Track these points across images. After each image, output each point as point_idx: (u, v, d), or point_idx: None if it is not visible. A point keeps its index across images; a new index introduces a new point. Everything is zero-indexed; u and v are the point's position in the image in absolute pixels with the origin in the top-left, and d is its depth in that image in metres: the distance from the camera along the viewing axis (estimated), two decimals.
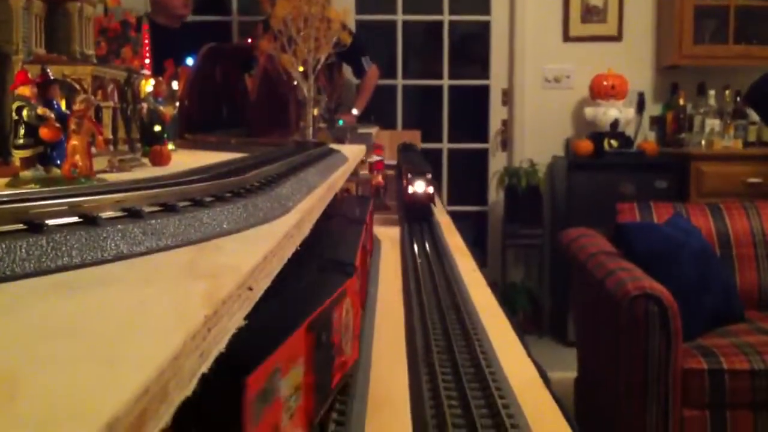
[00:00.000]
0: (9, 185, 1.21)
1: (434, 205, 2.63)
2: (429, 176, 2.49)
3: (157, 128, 1.80)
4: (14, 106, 1.19)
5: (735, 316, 3.44)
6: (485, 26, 5.32)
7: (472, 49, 5.43)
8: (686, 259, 3.35)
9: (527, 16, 5.18)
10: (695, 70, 4.96)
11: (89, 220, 0.62)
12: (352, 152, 2.23)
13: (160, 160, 1.63)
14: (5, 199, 0.62)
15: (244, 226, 0.74)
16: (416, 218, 2.43)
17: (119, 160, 1.48)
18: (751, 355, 2.95)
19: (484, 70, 5.36)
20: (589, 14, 5.14)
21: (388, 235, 2.36)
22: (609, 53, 5.11)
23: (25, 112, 1.19)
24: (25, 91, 1.20)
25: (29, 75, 1.21)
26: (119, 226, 0.62)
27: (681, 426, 2.84)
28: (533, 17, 5.18)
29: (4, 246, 0.53)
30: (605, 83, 4.96)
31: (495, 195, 5.32)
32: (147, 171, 1.54)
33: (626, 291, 2.85)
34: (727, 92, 4.93)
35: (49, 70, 1.24)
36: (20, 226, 0.57)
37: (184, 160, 1.70)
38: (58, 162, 1.23)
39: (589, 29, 5.15)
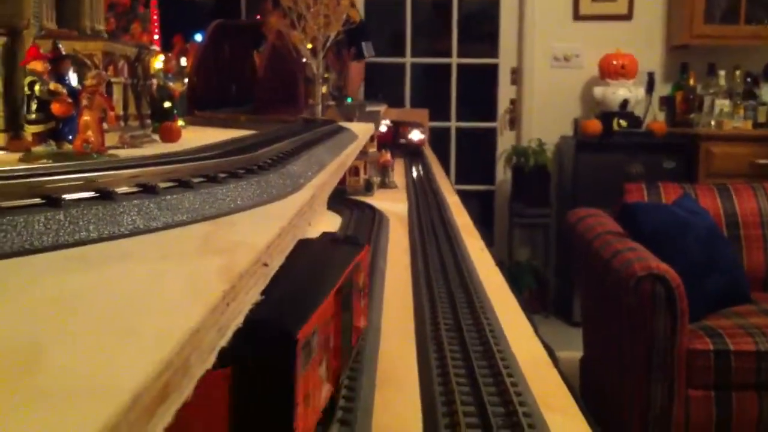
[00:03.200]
0: (22, 160, 1.21)
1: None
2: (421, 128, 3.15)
3: (167, 104, 1.80)
4: (26, 81, 1.19)
5: (741, 297, 3.44)
6: (494, 4, 5.29)
7: (481, 28, 5.40)
8: (693, 240, 3.35)
9: None
10: (705, 50, 4.92)
11: (105, 195, 0.62)
12: (361, 130, 2.23)
13: (170, 136, 1.63)
14: (22, 173, 0.62)
15: (257, 203, 0.75)
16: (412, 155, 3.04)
17: (130, 136, 1.48)
18: (757, 336, 2.95)
19: (492, 49, 5.33)
20: None
21: (395, 213, 2.36)
22: (619, 32, 5.07)
23: (37, 87, 1.19)
24: (37, 66, 1.20)
25: (41, 50, 1.21)
26: (135, 201, 0.62)
27: (686, 406, 2.84)
28: None
29: (22, 220, 0.53)
30: (615, 63, 4.94)
31: (502, 174, 5.31)
32: (158, 147, 1.53)
33: (633, 271, 2.84)
34: (737, 72, 4.90)
35: (60, 46, 1.24)
36: (37, 200, 0.57)
37: (194, 136, 1.70)
38: (70, 137, 1.23)
39: (600, 8, 5.12)
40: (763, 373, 2.89)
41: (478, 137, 5.41)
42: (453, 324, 1.25)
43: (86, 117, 1.19)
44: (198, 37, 3.26)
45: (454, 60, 5.34)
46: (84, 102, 1.19)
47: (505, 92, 5.33)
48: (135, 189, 0.65)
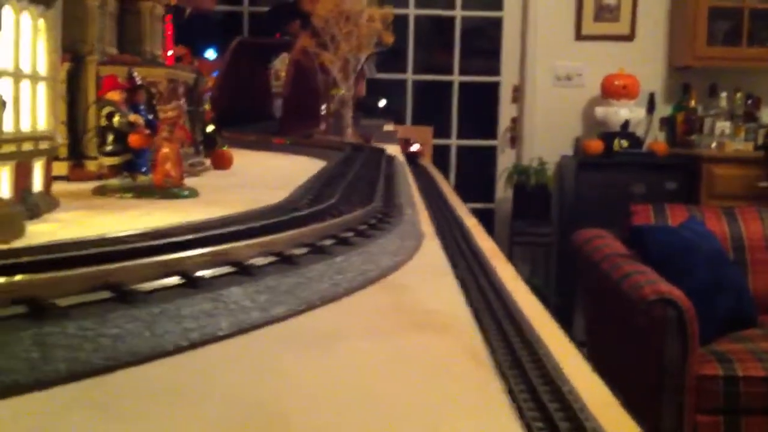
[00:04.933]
0: (98, 193, 1.18)
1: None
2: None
3: (210, 129, 1.77)
4: (104, 111, 1.16)
5: (748, 321, 3.44)
6: (497, 22, 5.29)
7: (483, 45, 5.40)
8: (701, 263, 3.35)
9: (539, 13, 5.15)
10: (707, 71, 4.95)
11: (285, 260, 0.59)
12: (394, 151, 2.21)
13: (222, 163, 1.60)
14: (202, 236, 0.59)
15: (403, 258, 0.72)
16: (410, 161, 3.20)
17: (189, 164, 1.45)
18: (766, 362, 2.95)
19: (494, 66, 5.33)
20: (602, 12, 5.12)
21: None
22: (621, 52, 5.09)
23: (116, 119, 1.16)
24: (115, 96, 1.17)
25: (118, 79, 1.18)
26: (314, 266, 0.59)
27: (695, 431, 2.84)
28: (545, 14, 5.15)
29: (226, 293, 0.50)
30: (617, 83, 4.95)
31: (502, 192, 5.30)
32: (214, 176, 1.50)
33: (643, 294, 2.83)
34: (738, 95, 4.92)
35: (135, 74, 1.20)
36: (229, 268, 0.54)
37: (244, 163, 1.67)
38: (144, 169, 1.20)
39: (602, 28, 5.13)
40: None
41: (478, 155, 5.40)
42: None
43: (166, 149, 1.16)
44: (210, 54, 3.23)
45: (456, 77, 5.33)
46: (164, 134, 1.15)
47: (506, 110, 5.33)
48: (305, 251, 0.62)
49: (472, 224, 3.06)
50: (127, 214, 1.00)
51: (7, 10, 0.86)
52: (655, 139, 5.05)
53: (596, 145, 4.87)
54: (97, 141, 1.20)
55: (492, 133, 5.37)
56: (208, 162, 1.59)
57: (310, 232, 0.64)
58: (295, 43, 2.69)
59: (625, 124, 4.90)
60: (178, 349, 0.44)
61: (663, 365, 2.82)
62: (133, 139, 1.16)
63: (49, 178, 0.99)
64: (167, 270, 0.50)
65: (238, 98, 2.87)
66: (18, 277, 0.43)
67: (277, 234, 0.61)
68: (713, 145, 4.83)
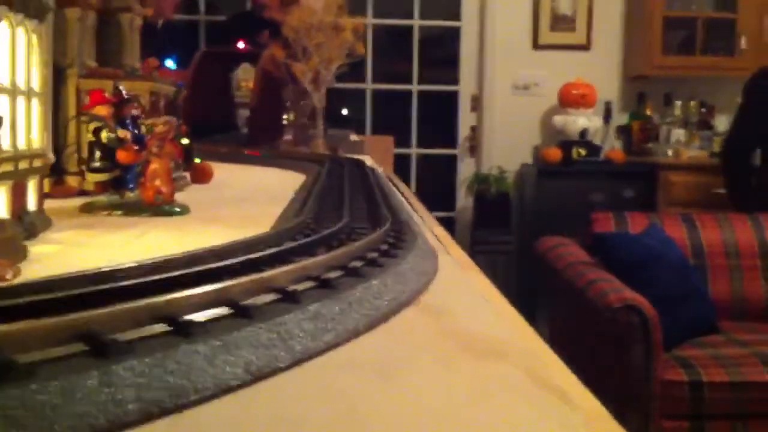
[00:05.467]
0: (85, 210, 1.14)
1: None
2: None
3: (185, 141, 1.73)
4: (91, 126, 1.13)
5: (710, 327, 3.49)
6: (455, 32, 5.31)
7: (442, 54, 5.42)
8: (664, 270, 3.39)
9: (497, 23, 5.19)
10: (662, 80, 5.03)
11: (323, 284, 0.57)
12: (370, 162, 2.20)
13: (203, 177, 1.57)
14: (243, 261, 0.57)
15: (429, 277, 0.70)
16: None
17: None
18: (730, 368, 2.99)
19: (453, 76, 5.35)
20: (559, 22, 5.18)
21: None
22: (578, 62, 5.15)
23: (104, 134, 1.13)
24: (102, 111, 1.14)
25: (105, 94, 1.15)
26: (352, 290, 0.58)
27: None
28: (503, 24, 5.19)
29: (281, 320, 0.48)
30: (574, 92, 5.00)
31: (463, 200, 5.32)
32: (194, 190, 1.47)
33: (608, 302, 2.86)
34: (692, 103, 5.01)
35: (122, 88, 1.17)
36: (274, 296, 0.52)
37: (223, 177, 1.64)
38: (131, 186, 1.17)
39: (559, 38, 5.19)
40: (736, 403, 2.93)
41: (438, 164, 5.42)
42: None
43: (155, 165, 1.13)
44: (169, 63, 3.18)
45: (415, 87, 5.34)
46: (154, 149, 1.13)
47: (465, 119, 5.35)
48: (339, 275, 0.60)
49: (441, 235, 3.06)
50: (124, 233, 0.98)
51: (3, 25, 0.83)
52: (612, 148, 5.12)
53: (555, 154, 4.91)
54: (83, 157, 1.17)
55: (452, 142, 5.39)
56: (187, 176, 1.56)
57: (343, 254, 0.63)
58: (263, 54, 2.66)
59: (583, 132, 4.95)
60: (241, 384, 0.42)
61: (628, 371, 2.85)
62: (122, 155, 1.13)
63: (42, 197, 0.95)
64: (218, 298, 0.48)
65: (204, 109, 2.83)
66: (77, 313, 0.41)
67: (313, 257, 0.60)
68: (669, 152, 4.90)
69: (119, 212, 1.12)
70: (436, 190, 5.45)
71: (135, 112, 1.18)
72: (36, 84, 0.91)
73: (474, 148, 5.35)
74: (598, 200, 4.80)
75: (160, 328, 0.45)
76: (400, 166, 5.22)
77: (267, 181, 1.78)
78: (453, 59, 5.36)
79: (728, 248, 3.85)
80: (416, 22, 5.30)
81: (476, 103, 5.32)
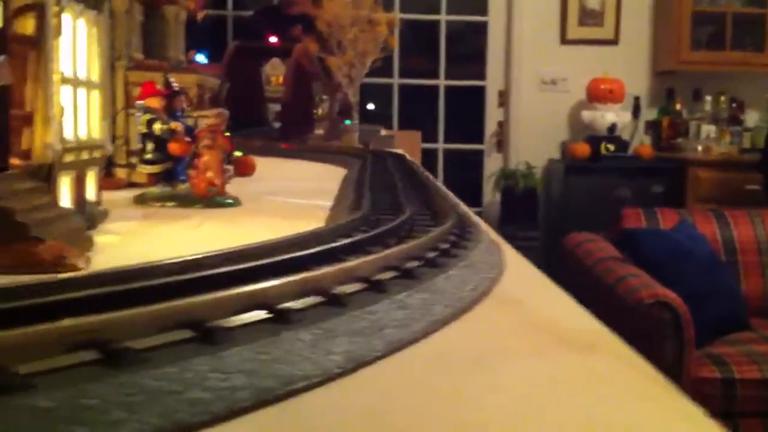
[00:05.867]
0: (138, 202, 1.15)
1: None
2: None
3: (226, 134, 1.73)
4: (144, 119, 1.13)
5: (740, 324, 3.46)
6: (482, 26, 5.30)
7: (469, 48, 5.41)
8: (694, 266, 3.37)
9: (525, 18, 5.16)
10: (691, 75, 4.99)
11: (405, 274, 0.57)
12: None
13: (246, 169, 1.57)
14: (325, 250, 0.57)
15: (499, 269, 0.70)
16: None
17: None
18: (762, 364, 2.96)
19: (480, 71, 5.33)
20: (587, 17, 5.14)
21: None
22: (605, 57, 5.11)
23: (157, 126, 1.13)
24: (154, 103, 1.14)
25: (157, 86, 1.15)
26: (434, 280, 0.57)
27: None
28: (530, 19, 5.16)
29: (375, 309, 0.48)
30: (603, 87, 4.97)
31: (490, 196, 5.30)
32: (239, 183, 1.47)
33: (639, 298, 2.84)
34: (722, 98, 4.97)
35: (173, 81, 1.18)
36: (361, 285, 0.52)
37: (265, 170, 1.64)
38: (182, 178, 1.17)
39: (587, 32, 5.15)
40: None
41: (465, 159, 5.40)
42: None
43: (207, 157, 1.13)
44: (200, 57, 3.18)
45: (442, 82, 5.32)
46: (206, 141, 1.13)
47: (492, 114, 5.33)
48: (417, 264, 0.60)
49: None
50: (180, 224, 0.98)
51: (66, 16, 0.83)
52: (641, 143, 5.08)
53: (583, 149, 4.89)
54: (131, 149, 1.17)
55: (479, 138, 5.37)
56: (231, 168, 1.56)
57: (419, 245, 0.62)
58: (295, 48, 2.66)
59: (612, 127, 4.92)
60: (342, 373, 0.42)
61: (660, 368, 2.82)
62: (174, 147, 1.13)
63: (100, 188, 0.96)
64: (311, 287, 0.48)
65: (236, 103, 2.83)
66: (179, 300, 0.40)
67: (393, 248, 0.59)
68: (699, 148, 4.86)
69: (172, 204, 1.12)
70: (463, 186, 5.43)
71: (183, 104, 1.18)
72: (95, 75, 0.91)
73: (501, 144, 5.33)
74: (626, 196, 4.76)
75: (256, 315, 0.44)
76: (427, 161, 5.21)
77: (306, 174, 1.78)
78: (480, 54, 5.34)
79: (760, 245, 3.82)
80: (443, 17, 5.28)
81: (503, 99, 5.30)
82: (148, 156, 1.14)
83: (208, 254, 0.54)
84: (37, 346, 0.36)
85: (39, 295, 0.43)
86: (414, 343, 0.48)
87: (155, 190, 1.15)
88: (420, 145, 4.65)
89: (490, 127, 5.35)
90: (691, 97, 5.03)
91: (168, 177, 1.16)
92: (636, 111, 5.10)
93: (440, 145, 5.34)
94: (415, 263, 0.60)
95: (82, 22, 0.86)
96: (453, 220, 0.75)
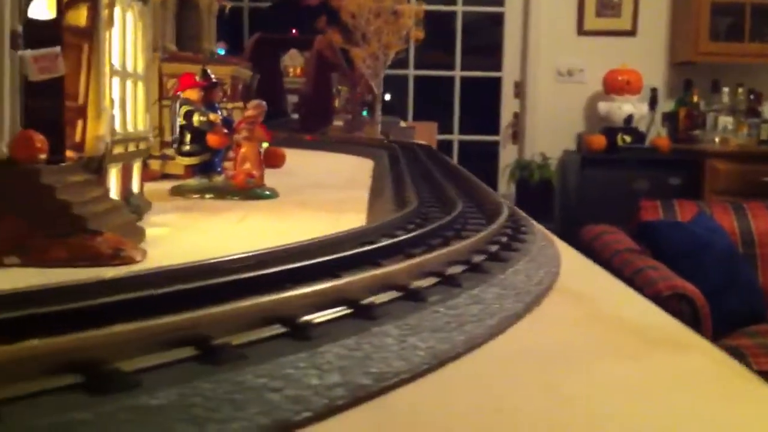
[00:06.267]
0: (175, 193, 1.14)
1: None
2: None
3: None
4: (182, 110, 1.13)
5: (758, 316, 3.45)
6: (499, 17, 5.28)
7: (485, 40, 5.38)
8: (713, 259, 3.35)
9: (542, 9, 5.14)
10: (709, 67, 4.96)
11: (473, 268, 0.56)
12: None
13: (276, 161, 1.57)
14: (395, 243, 0.56)
15: (557, 262, 0.69)
16: None
17: None
18: None
19: (495, 62, 5.32)
20: (604, 8, 5.12)
21: None
22: (623, 48, 5.08)
23: (195, 118, 1.12)
24: (192, 94, 1.13)
25: (195, 78, 1.15)
26: (503, 274, 0.57)
27: None
28: (547, 9, 5.14)
29: (454, 308, 0.48)
30: (620, 78, 4.94)
31: (505, 188, 5.29)
32: (270, 175, 1.46)
33: (657, 290, 2.82)
34: (740, 90, 4.94)
35: (210, 72, 1.17)
36: (434, 279, 0.52)
37: (293, 162, 1.63)
38: (219, 170, 1.17)
39: (604, 23, 5.13)
40: None
41: (480, 150, 5.39)
42: None
43: (244, 149, 1.13)
44: (221, 47, 3.18)
45: (458, 73, 5.31)
46: (244, 133, 1.12)
47: (508, 106, 5.32)
48: (483, 258, 0.59)
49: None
50: (224, 217, 0.97)
51: (116, 8, 0.83)
52: (658, 135, 5.05)
53: (599, 141, 4.86)
54: (164, 141, 1.17)
55: (494, 129, 5.36)
56: None
57: (482, 239, 0.62)
58: (316, 39, 2.65)
59: (629, 119, 4.90)
60: (429, 369, 0.42)
61: None
62: (212, 139, 1.12)
63: (143, 180, 0.96)
64: (387, 281, 0.47)
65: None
66: (267, 296, 0.40)
67: (460, 242, 0.59)
68: (716, 140, 4.84)
69: (210, 195, 1.12)
70: (479, 177, 5.40)
71: (219, 96, 1.18)
72: (140, 67, 0.91)
73: (516, 135, 5.32)
74: (643, 188, 4.74)
75: (339, 311, 0.44)
76: (443, 152, 5.19)
77: (335, 165, 1.77)
78: (496, 45, 5.32)
79: None
80: (459, 8, 5.26)
81: (519, 90, 5.28)
82: (186, 148, 1.14)
83: (284, 247, 0.54)
84: (136, 343, 0.36)
85: (125, 291, 0.42)
86: (493, 338, 0.48)
87: (192, 182, 1.15)
88: (436, 137, 4.64)
89: (506, 118, 5.34)
90: (708, 89, 5.00)
91: (205, 169, 1.15)
92: (653, 102, 5.07)
93: (455, 137, 5.33)
94: (482, 257, 0.59)
95: (129, 15, 0.86)
96: (506, 212, 0.74)
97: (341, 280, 0.45)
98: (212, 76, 1.16)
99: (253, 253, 0.53)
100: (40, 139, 0.66)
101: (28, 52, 0.67)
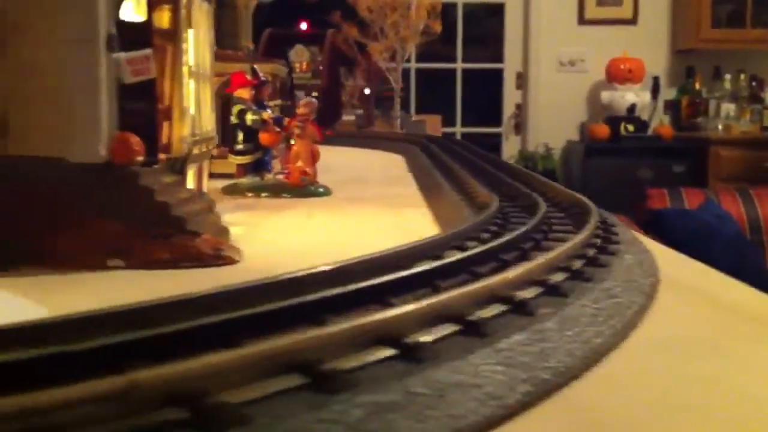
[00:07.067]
0: (228, 192, 1.15)
1: None
2: None
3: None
4: (236, 109, 1.13)
5: None
6: (499, 8, 5.28)
7: (485, 31, 5.38)
8: (721, 246, 3.37)
9: None
10: (710, 53, 4.97)
11: (575, 275, 0.57)
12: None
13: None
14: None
15: (652, 255, 0.70)
16: None
17: None
18: None
19: (496, 53, 5.32)
20: None
21: None
22: (624, 36, 5.09)
23: (248, 117, 1.13)
24: (244, 93, 1.13)
25: (246, 76, 1.15)
26: (619, 270, 0.57)
27: None
28: (548, 0, 5.14)
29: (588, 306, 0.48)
30: (622, 67, 4.95)
31: None
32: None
33: None
34: (742, 76, 4.95)
35: (258, 70, 1.17)
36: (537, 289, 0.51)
37: (326, 158, 1.63)
38: (269, 168, 1.17)
39: (605, 12, 5.14)
40: None
41: (483, 142, 5.39)
42: None
43: (297, 147, 1.13)
44: None
45: (459, 65, 5.31)
46: (296, 131, 1.12)
47: (510, 97, 5.32)
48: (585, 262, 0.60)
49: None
50: (291, 214, 0.98)
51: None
52: (661, 123, 5.06)
53: (602, 130, 4.87)
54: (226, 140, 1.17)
55: (496, 120, 5.37)
56: None
57: (581, 242, 0.62)
58: (329, 34, 2.65)
59: (631, 108, 4.90)
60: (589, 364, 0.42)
61: None
62: (265, 137, 1.13)
63: (206, 179, 0.96)
64: (495, 293, 0.47)
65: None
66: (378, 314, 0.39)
67: (561, 245, 0.59)
68: (719, 127, 4.85)
69: (266, 194, 1.12)
70: None
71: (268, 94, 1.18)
72: (207, 67, 0.91)
73: (519, 126, 5.33)
74: (647, 177, 4.75)
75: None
76: None
77: (366, 161, 1.78)
78: (497, 36, 5.32)
79: None
80: (459, 0, 5.26)
81: (521, 81, 5.29)
82: (239, 146, 1.14)
83: (381, 255, 0.53)
84: (235, 371, 0.31)
85: (215, 311, 0.38)
86: (633, 331, 0.48)
87: (246, 180, 1.15)
88: (440, 129, 4.64)
89: (508, 109, 5.34)
90: (710, 76, 5.01)
91: (257, 167, 1.16)
92: (655, 91, 5.08)
93: (458, 129, 5.33)
94: (580, 262, 0.59)
95: (199, 15, 0.86)
96: (595, 211, 0.74)
97: (445, 295, 0.44)
98: (261, 74, 1.16)
99: (347, 263, 0.51)
100: (137, 142, 0.66)
101: (122, 55, 0.67)
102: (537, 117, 5.25)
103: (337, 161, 1.69)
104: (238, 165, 1.16)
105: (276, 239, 0.83)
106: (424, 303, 0.42)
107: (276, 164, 1.32)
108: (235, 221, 0.91)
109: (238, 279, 0.47)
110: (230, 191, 1.14)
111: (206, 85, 0.90)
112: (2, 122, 0.64)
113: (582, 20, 5.16)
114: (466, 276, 0.53)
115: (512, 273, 0.49)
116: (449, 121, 5.26)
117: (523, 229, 0.65)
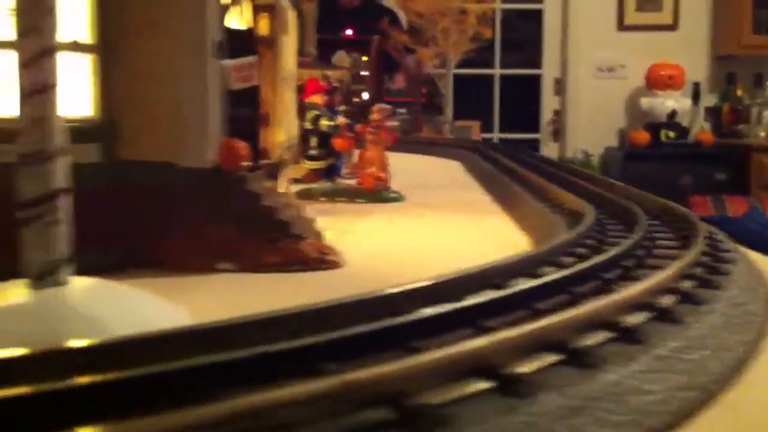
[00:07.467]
0: (303, 197, 1.15)
1: None
2: None
3: None
4: (310, 115, 1.14)
5: None
6: (537, 14, 5.27)
7: (524, 37, 5.37)
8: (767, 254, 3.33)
9: (581, 4, 5.12)
10: (751, 60, 4.92)
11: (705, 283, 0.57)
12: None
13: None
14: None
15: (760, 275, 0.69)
16: None
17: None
18: None
19: (535, 59, 5.31)
20: (645, 3, 5.10)
21: None
22: (664, 42, 5.06)
23: (323, 122, 1.14)
24: (317, 99, 1.14)
25: (320, 82, 1.16)
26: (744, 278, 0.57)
27: None
28: (587, 5, 5.12)
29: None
30: (662, 73, 4.92)
31: None
32: None
33: None
34: None
35: (330, 77, 1.18)
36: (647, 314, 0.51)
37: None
38: (341, 173, 1.18)
39: (644, 18, 5.11)
40: None
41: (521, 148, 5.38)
42: None
43: (370, 153, 1.14)
44: None
45: (497, 71, 5.30)
46: (370, 137, 1.13)
47: (548, 103, 5.31)
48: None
49: None
50: (372, 219, 0.98)
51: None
52: (701, 130, 5.02)
53: (642, 137, 4.84)
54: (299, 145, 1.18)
55: (534, 127, 5.35)
56: None
57: (697, 253, 0.62)
58: (374, 40, 2.66)
59: (672, 114, 4.87)
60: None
61: None
62: (338, 143, 1.14)
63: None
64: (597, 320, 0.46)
65: None
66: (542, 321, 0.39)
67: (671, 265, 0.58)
68: (761, 134, 4.80)
69: (341, 199, 1.13)
70: None
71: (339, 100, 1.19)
72: (294, 73, 0.92)
73: (557, 132, 5.31)
74: (688, 184, 4.71)
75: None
76: None
77: (424, 166, 1.78)
78: (535, 42, 5.30)
79: None
80: (498, 6, 5.25)
81: (559, 87, 5.27)
82: (313, 152, 1.15)
83: (482, 268, 0.53)
84: (427, 374, 0.32)
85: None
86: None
87: (319, 185, 1.16)
88: (479, 135, 4.64)
89: (546, 115, 5.32)
90: (751, 82, 4.96)
91: (329, 172, 1.17)
92: (696, 97, 5.04)
93: (495, 135, 5.32)
94: (703, 269, 0.59)
95: (291, 22, 0.87)
96: (700, 225, 0.74)
97: (545, 320, 0.41)
98: (333, 80, 1.17)
99: (453, 277, 0.52)
100: (243, 147, 0.67)
101: (229, 62, 0.68)
102: (575, 123, 5.23)
103: (396, 167, 1.69)
104: (311, 170, 1.17)
105: (363, 243, 0.83)
106: (525, 329, 0.40)
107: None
108: (322, 226, 0.92)
109: (343, 283, 0.48)
110: (306, 196, 1.15)
111: (292, 91, 0.91)
112: (116, 127, 0.65)
113: (621, 26, 5.13)
114: (565, 296, 0.52)
115: (618, 296, 0.47)
116: (487, 127, 5.25)
117: (626, 244, 0.64)
